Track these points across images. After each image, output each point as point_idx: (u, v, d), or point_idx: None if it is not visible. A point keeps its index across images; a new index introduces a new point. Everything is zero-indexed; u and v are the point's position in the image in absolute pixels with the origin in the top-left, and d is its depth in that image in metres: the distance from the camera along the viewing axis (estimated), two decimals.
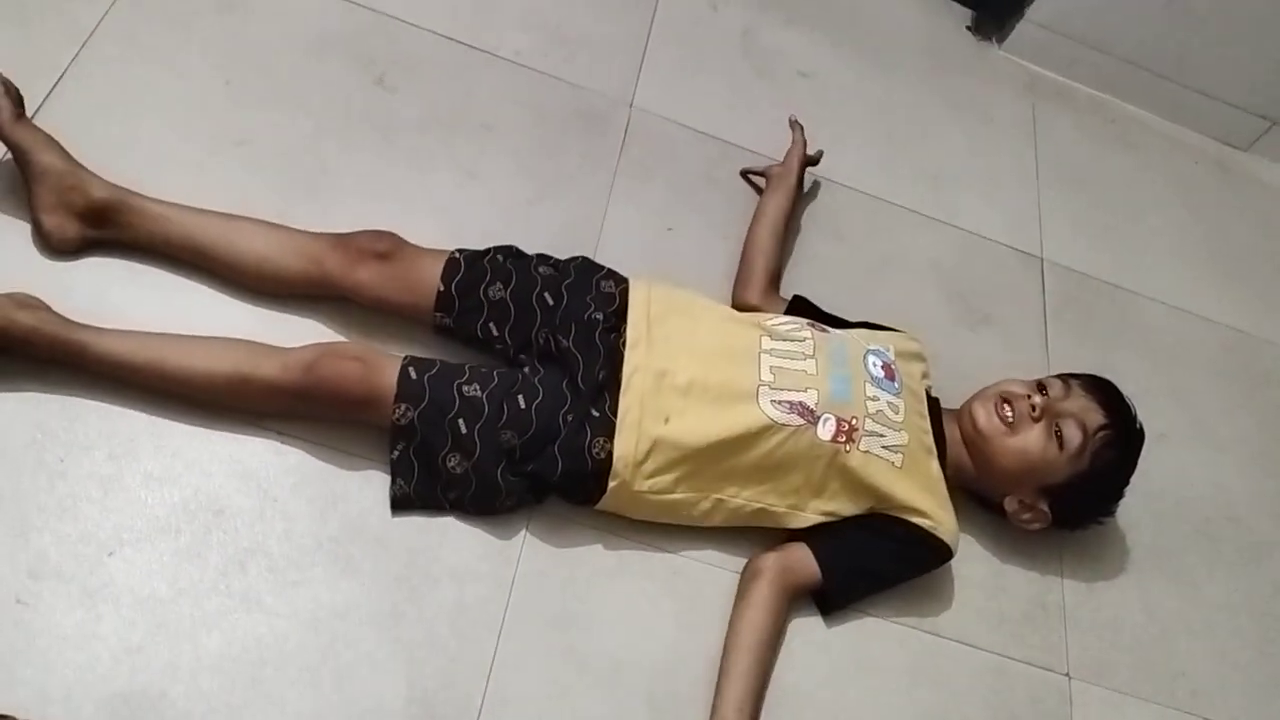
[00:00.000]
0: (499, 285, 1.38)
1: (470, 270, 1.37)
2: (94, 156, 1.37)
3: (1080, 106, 2.20)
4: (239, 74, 1.56)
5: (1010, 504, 1.46)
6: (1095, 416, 1.43)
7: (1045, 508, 1.45)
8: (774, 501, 1.36)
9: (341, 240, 1.37)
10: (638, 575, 1.35)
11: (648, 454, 1.29)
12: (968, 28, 2.23)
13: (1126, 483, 1.49)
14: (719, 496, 1.34)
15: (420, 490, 1.28)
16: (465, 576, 1.28)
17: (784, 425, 1.31)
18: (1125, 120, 2.22)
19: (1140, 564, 1.62)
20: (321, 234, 1.38)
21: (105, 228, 1.32)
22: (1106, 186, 2.09)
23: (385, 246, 1.37)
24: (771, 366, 1.35)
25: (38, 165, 1.30)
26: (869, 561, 1.38)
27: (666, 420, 1.30)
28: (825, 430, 1.33)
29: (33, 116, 1.38)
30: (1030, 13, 2.14)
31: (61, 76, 1.46)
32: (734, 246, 1.66)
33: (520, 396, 1.28)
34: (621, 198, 1.67)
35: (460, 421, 1.26)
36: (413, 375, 1.27)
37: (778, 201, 1.67)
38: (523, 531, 1.33)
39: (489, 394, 1.28)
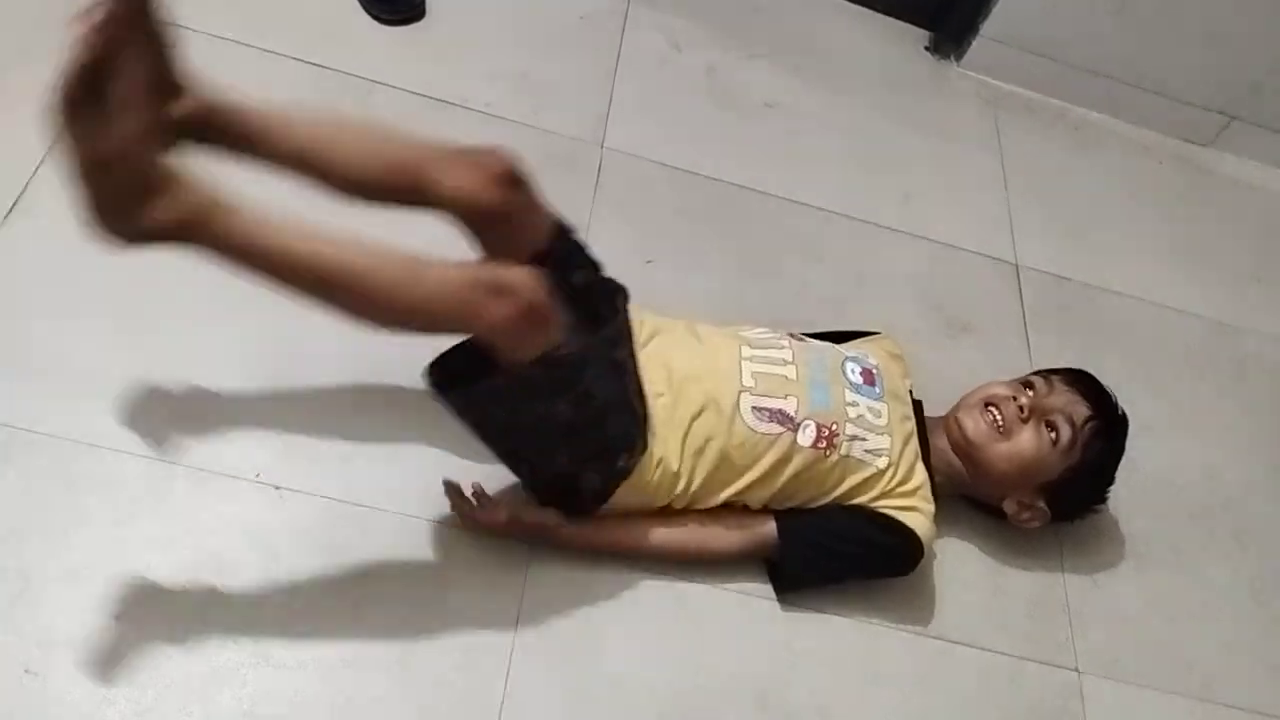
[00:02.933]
0: (581, 273, 1.34)
1: (569, 241, 1.34)
2: (80, 233, 1.39)
3: (1042, 116, 2.24)
4: None
5: (1010, 506, 1.47)
6: (1081, 409, 1.45)
7: (1043, 505, 1.47)
8: (756, 498, 1.38)
9: (470, 157, 1.25)
10: (642, 603, 1.36)
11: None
12: (926, 48, 2.28)
13: (1116, 469, 1.51)
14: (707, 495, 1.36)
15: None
16: (470, 616, 1.29)
17: (764, 434, 1.33)
18: (1087, 126, 2.27)
19: (1140, 555, 1.63)
20: (440, 146, 1.26)
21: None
22: (1075, 191, 2.13)
23: (515, 174, 1.26)
24: (754, 372, 1.37)
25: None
26: (826, 539, 1.37)
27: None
28: (805, 437, 1.35)
29: (14, 203, 1.41)
30: (984, 29, 2.19)
31: (44, 159, 1.49)
32: (712, 275, 1.69)
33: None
34: (599, 235, 1.69)
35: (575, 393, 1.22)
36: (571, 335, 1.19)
37: None
38: (525, 568, 1.34)
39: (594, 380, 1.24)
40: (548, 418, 1.21)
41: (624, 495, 1.31)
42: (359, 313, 1.13)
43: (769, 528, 1.38)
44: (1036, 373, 1.52)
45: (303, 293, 1.10)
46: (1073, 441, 1.43)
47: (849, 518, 1.38)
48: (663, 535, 1.36)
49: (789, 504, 1.39)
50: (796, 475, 1.36)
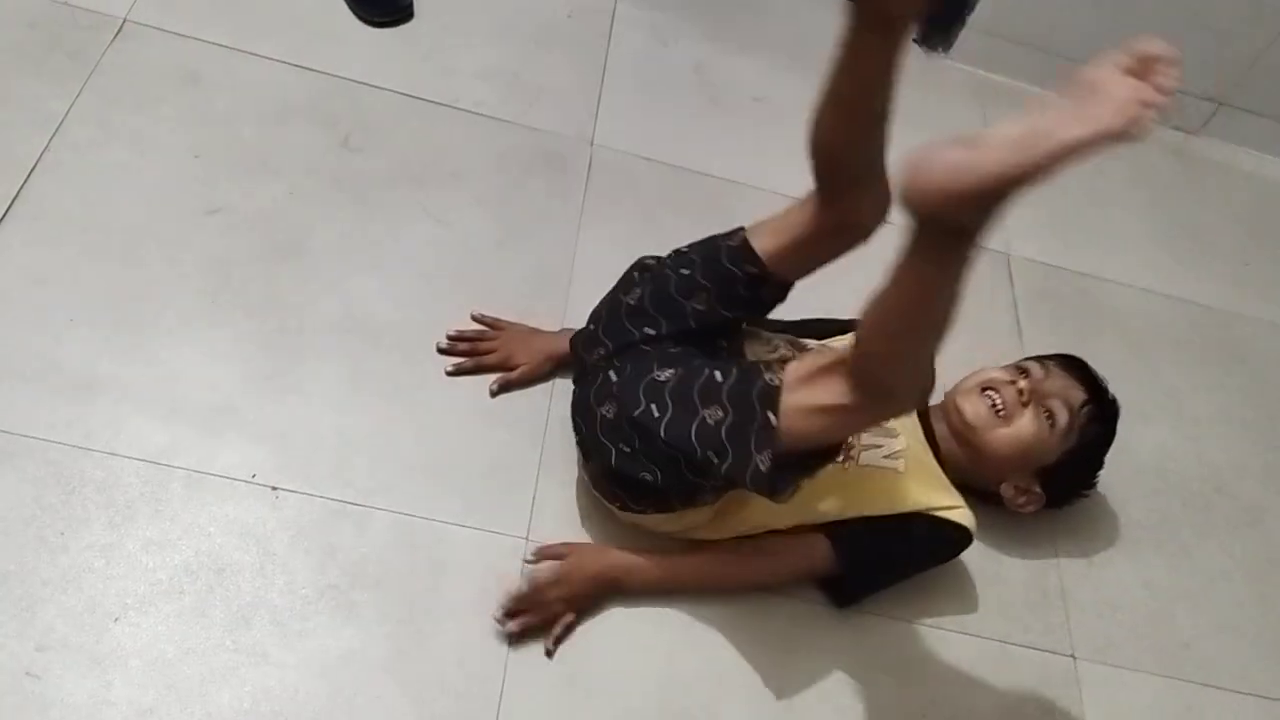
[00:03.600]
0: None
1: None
2: (71, 240, 1.41)
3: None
4: (208, 146, 1.60)
5: (1006, 490, 1.48)
6: (1077, 394, 1.46)
7: (1039, 489, 1.48)
8: (781, 522, 1.36)
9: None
10: (636, 598, 1.36)
11: None
12: (914, 40, 2.29)
13: (1106, 454, 1.53)
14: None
15: None
16: (467, 614, 1.29)
17: None
18: None
19: (1134, 541, 1.64)
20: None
21: None
22: (1065, 180, 2.08)
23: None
24: None
25: None
26: (888, 550, 1.38)
27: None
28: None
29: (9, 208, 1.42)
30: (972, 20, 2.20)
31: (36, 164, 1.50)
32: None
33: None
34: (590, 230, 1.71)
35: None
36: None
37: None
38: (521, 565, 1.34)
39: None
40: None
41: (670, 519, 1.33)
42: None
43: (823, 546, 1.37)
44: (1031, 358, 1.53)
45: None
46: (1070, 425, 1.44)
47: (898, 529, 1.37)
48: (726, 571, 1.37)
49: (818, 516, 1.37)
50: (814, 487, 1.30)
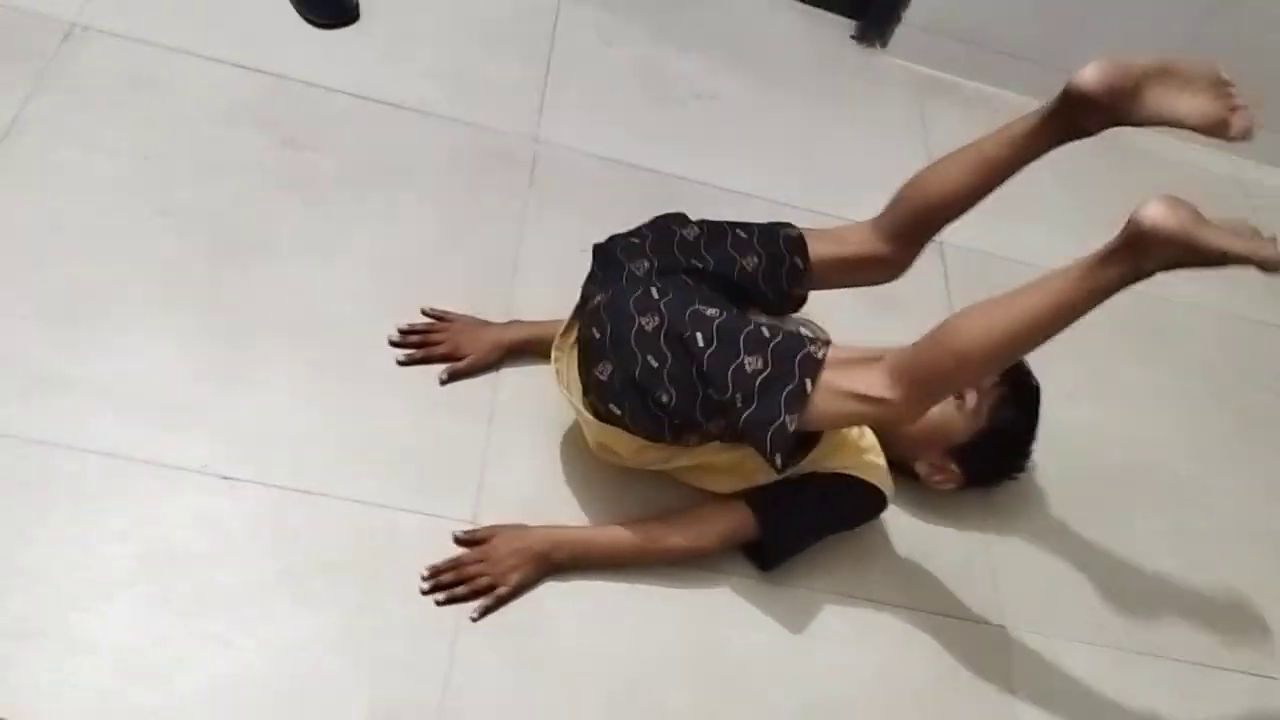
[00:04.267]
0: None
1: None
2: (26, 242, 1.44)
3: (964, 99, 2.33)
4: (158, 148, 1.63)
5: (921, 467, 1.55)
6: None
7: (955, 468, 1.54)
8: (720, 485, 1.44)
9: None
10: (584, 572, 1.42)
11: None
12: (852, 37, 2.36)
13: (1030, 438, 1.59)
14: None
15: None
16: (416, 596, 1.34)
17: None
18: (1006, 107, 2.33)
19: (1065, 514, 1.71)
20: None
21: None
22: None
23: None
24: None
25: None
26: (805, 512, 1.44)
27: None
28: None
29: None
30: (908, 16, 2.27)
31: None
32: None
33: None
34: (536, 226, 1.76)
35: None
36: None
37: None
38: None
39: None
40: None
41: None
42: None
43: (745, 513, 1.42)
44: None
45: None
46: (978, 407, 1.50)
47: (814, 485, 1.42)
48: (651, 541, 1.42)
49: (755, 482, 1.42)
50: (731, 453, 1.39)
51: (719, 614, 1.44)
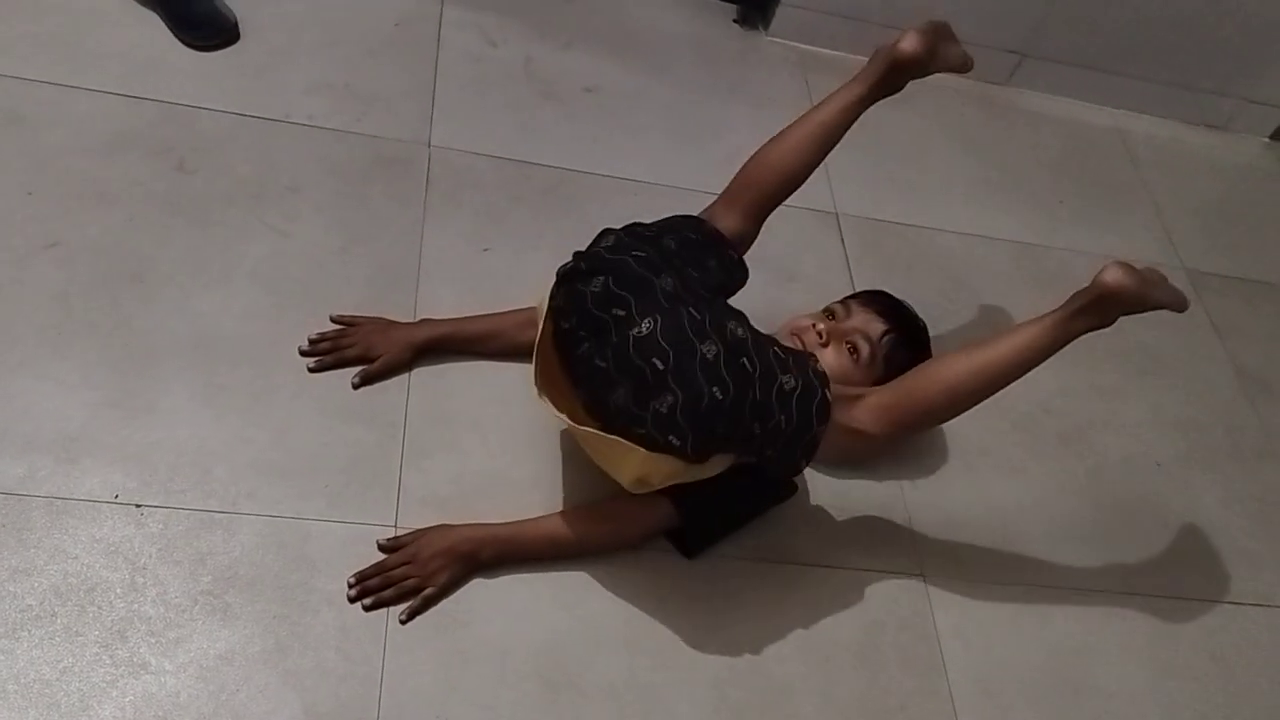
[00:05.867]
0: None
1: None
2: None
3: (848, 71, 2.33)
4: (40, 182, 1.62)
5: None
6: (877, 325, 1.58)
7: None
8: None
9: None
10: (509, 565, 1.43)
11: None
12: (735, 21, 2.40)
13: None
14: None
15: None
16: (342, 603, 1.34)
17: None
18: None
19: (971, 463, 1.77)
20: None
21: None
22: (886, 140, 2.26)
23: None
24: None
25: None
26: (722, 499, 1.46)
27: None
28: None
29: None
30: None
31: None
32: (548, 256, 1.76)
33: None
34: (435, 229, 1.77)
35: None
36: None
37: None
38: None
39: None
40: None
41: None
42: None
43: (664, 502, 1.44)
44: (839, 300, 1.64)
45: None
46: (872, 356, 1.55)
47: (730, 473, 1.43)
48: (575, 535, 1.44)
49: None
50: None
51: (644, 591, 1.46)
